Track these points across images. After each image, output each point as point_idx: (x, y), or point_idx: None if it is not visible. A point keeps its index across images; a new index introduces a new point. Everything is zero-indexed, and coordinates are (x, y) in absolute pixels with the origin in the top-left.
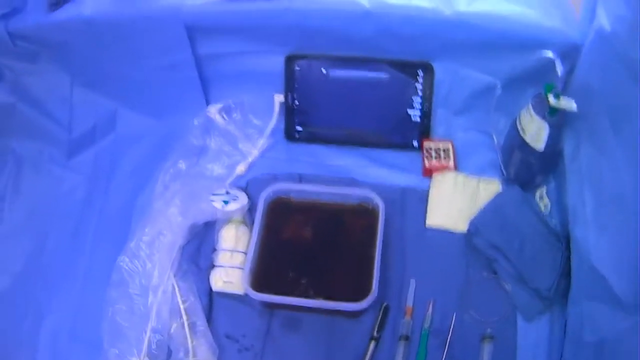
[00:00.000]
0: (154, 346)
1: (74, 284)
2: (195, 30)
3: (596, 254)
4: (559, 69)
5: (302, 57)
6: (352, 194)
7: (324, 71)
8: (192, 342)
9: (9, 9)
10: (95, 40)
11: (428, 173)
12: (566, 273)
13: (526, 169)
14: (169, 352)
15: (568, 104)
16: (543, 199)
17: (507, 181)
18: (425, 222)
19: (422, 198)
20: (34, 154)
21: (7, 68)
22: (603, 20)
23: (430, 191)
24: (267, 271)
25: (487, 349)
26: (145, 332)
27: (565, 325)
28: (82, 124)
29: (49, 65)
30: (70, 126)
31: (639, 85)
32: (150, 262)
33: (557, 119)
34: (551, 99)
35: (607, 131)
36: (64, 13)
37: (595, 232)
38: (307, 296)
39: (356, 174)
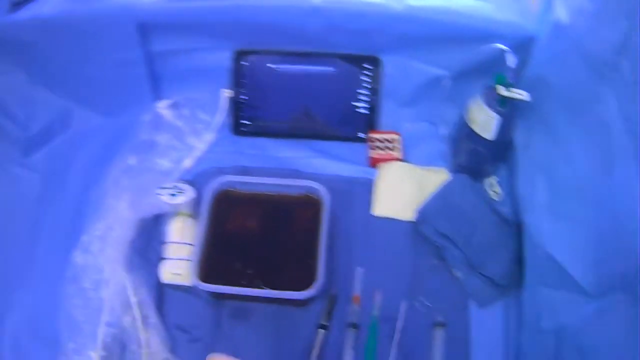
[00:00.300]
0: (108, 339)
1: (31, 282)
2: (148, 27)
3: (551, 242)
4: (511, 60)
5: (250, 52)
6: (297, 185)
7: (271, 66)
8: (144, 334)
9: None
10: (53, 39)
11: (374, 163)
12: (519, 260)
13: (475, 158)
14: (123, 345)
15: (520, 94)
16: (494, 187)
17: (456, 172)
18: (372, 211)
19: (369, 188)
20: None
21: None
22: (561, 12)
23: (377, 181)
24: (214, 262)
25: (438, 335)
26: (100, 326)
27: (521, 313)
28: (38, 122)
29: (7, 65)
30: (26, 124)
31: (599, 77)
32: (102, 256)
33: (507, 110)
34: (501, 90)
35: (562, 122)
36: (24, 13)
37: (550, 220)
38: (254, 286)
39: (302, 165)
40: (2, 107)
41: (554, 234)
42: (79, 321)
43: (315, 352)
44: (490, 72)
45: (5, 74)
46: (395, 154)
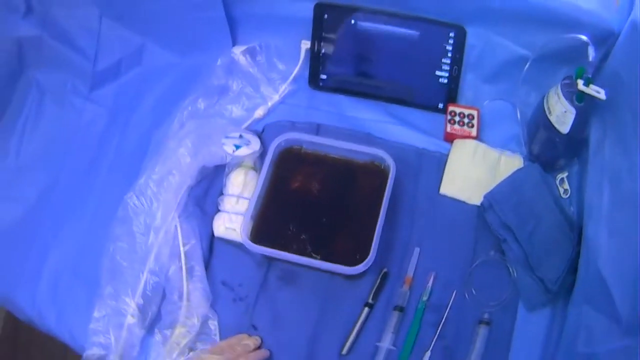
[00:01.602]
0: (149, 288)
1: (82, 219)
2: None
3: (604, 258)
4: (591, 54)
5: (332, 5)
6: (364, 152)
7: (353, 22)
8: (187, 286)
9: None
10: None
11: (449, 138)
12: (574, 269)
13: (550, 149)
14: (164, 295)
15: (597, 92)
16: (564, 183)
17: (529, 159)
18: (439, 189)
19: (440, 163)
20: (57, 86)
21: (36, 1)
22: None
23: (449, 157)
24: (268, 222)
25: (482, 333)
26: (143, 273)
27: (563, 327)
28: (108, 57)
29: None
30: (96, 59)
31: None
32: (157, 201)
33: (584, 105)
34: (580, 84)
35: (629, 128)
36: None
37: (606, 233)
38: (305, 253)
39: (375, 129)
40: (72, 40)
41: (607, 250)
42: (122, 266)
43: (355, 329)
44: (573, 62)
45: (76, 7)
46: (473, 131)
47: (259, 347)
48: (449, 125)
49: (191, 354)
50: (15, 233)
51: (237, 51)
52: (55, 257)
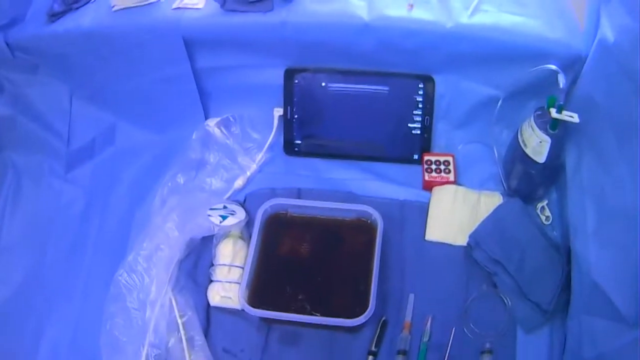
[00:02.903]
0: None
1: (73, 297)
2: (193, 43)
3: (597, 269)
4: (562, 81)
5: (302, 70)
6: (350, 209)
7: (323, 84)
8: (189, 356)
9: (7, 20)
10: (94, 52)
11: (428, 186)
12: (566, 286)
13: (527, 181)
14: None
15: (570, 116)
16: (544, 211)
17: (508, 194)
18: (424, 235)
19: (422, 212)
20: (33, 167)
21: (6, 80)
22: (607, 31)
23: (430, 205)
24: (265, 286)
25: None
26: (143, 346)
27: (565, 340)
28: (81, 136)
29: (49, 78)
30: (69, 139)
31: None
32: (148, 276)
33: (559, 132)
34: (553, 112)
35: (610, 145)
36: (63, 24)
37: (596, 246)
38: (304, 312)
39: (355, 187)
40: (44, 120)
41: (599, 261)
42: (121, 341)
43: None
44: (540, 93)
45: (47, 86)
46: (450, 176)
47: None
48: (426, 174)
49: None
50: (5, 315)
51: (211, 124)
52: (50, 335)
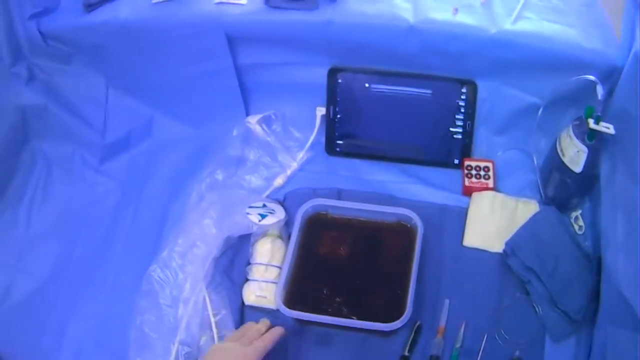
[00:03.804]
0: (181, 358)
1: (100, 292)
2: (235, 39)
3: (624, 280)
4: (600, 92)
5: (345, 70)
6: (390, 212)
7: (366, 85)
8: None
9: (41, 8)
10: (132, 44)
11: (468, 192)
12: (595, 297)
13: (563, 190)
14: None
15: (606, 128)
16: (578, 220)
17: (544, 202)
18: (462, 241)
19: (461, 217)
20: (65, 157)
21: (38, 68)
22: None
23: (469, 210)
24: (301, 287)
25: None
26: (174, 344)
27: (590, 350)
28: (117, 129)
29: (83, 68)
30: (104, 130)
31: None
32: (182, 273)
33: (595, 143)
34: (591, 123)
35: (638, 159)
36: (99, 15)
37: (625, 258)
38: (340, 314)
39: (395, 190)
40: (80, 111)
41: (627, 273)
42: (151, 337)
43: None
44: (579, 102)
45: (83, 78)
46: (489, 182)
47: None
48: (466, 180)
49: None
50: (30, 306)
51: (252, 120)
52: (74, 330)
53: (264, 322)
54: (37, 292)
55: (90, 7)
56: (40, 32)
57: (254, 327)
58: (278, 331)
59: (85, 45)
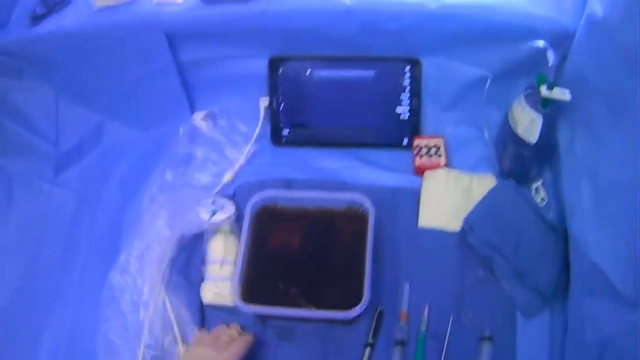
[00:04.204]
0: None
1: (68, 301)
2: (175, 37)
3: (595, 249)
4: (551, 58)
5: (286, 59)
6: (340, 199)
7: (308, 72)
8: None
9: None
10: (78, 52)
11: (419, 171)
12: (565, 269)
13: (520, 162)
14: None
15: (561, 94)
16: (539, 192)
17: (501, 176)
18: (417, 222)
19: (414, 198)
20: (23, 171)
21: None
22: (595, 5)
23: (422, 190)
24: (256, 282)
25: (486, 350)
26: (140, 349)
27: (566, 323)
28: (69, 138)
29: (34, 81)
30: (57, 141)
31: (635, 73)
32: (141, 277)
33: (550, 110)
34: (543, 90)
35: (604, 120)
36: (46, 27)
37: (594, 226)
38: (297, 306)
39: (346, 175)
40: (31, 123)
41: (598, 241)
42: (117, 344)
43: None
44: (531, 71)
45: (32, 90)
46: (441, 160)
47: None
48: (417, 159)
49: (183, 349)
50: (3, 323)
51: (198, 117)
52: (49, 340)
53: (235, 327)
54: (7, 308)
55: (36, 20)
56: None
57: (226, 332)
58: (250, 337)
59: (34, 57)
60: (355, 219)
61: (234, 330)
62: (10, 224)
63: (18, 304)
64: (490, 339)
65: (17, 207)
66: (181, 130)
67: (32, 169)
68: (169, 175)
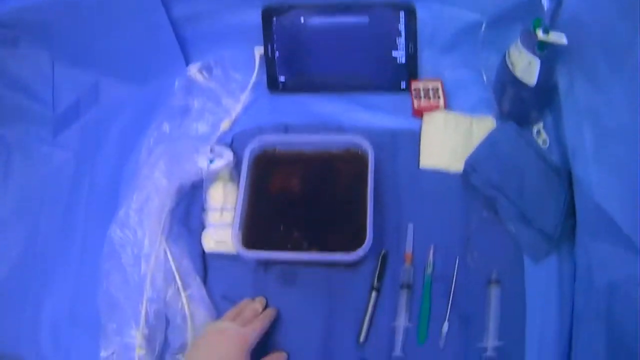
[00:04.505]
0: (152, 316)
1: (70, 264)
2: None
3: (600, 192)
4: (545, 3)
5: (279, 8)
6: (338, 141)
7: (302, 20)
8: (188, 307)
9: None
10: (72, 14)
11: (418, 114)
12: (571, 212)
13: (520, 104)
14: (167, 321)
15: (558, 38)
16: (541, 134)
17: (501, 118)
18: (418, 164)
19: (414, 139)
20: (22, 138)
21: None
22: None
23: (422, 131)
24: (258, 227)
25: (494, 293)
26: (142, 303)
27: (575, 267)
28: (66, 99)
29: (30, 49)
30: (54, 103)
31: (630, 18)
32: (141, 229)
33: (548, 54)
34: (539, 34)
35: (601, 64)
36: None
37: (597, 168)
38: (300, 249)
39: (344, 119)
40: (27, 87)
41: (601, 184)
42: (119, 299)
43: (367, 315)
44: (527, 15)
45: (29, 58)
46: (439, 102)
47: (265, 308)
48: (415, 102)
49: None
50: (4, 289)
51: (193, 69)
52: (50, 305)
53: (260, 301)
54: (10, 275)
55: None
56: None
57: (250, 306)
58: (273, 312)
59: (30, 25)
60: (354, 161)
61: (257, 304)
62: (10, 192)
63: (20, 269)
64: (498, 282)
65: (17, 174)
66: (177, 83)
67: (30, 134)
68: (166, 127)
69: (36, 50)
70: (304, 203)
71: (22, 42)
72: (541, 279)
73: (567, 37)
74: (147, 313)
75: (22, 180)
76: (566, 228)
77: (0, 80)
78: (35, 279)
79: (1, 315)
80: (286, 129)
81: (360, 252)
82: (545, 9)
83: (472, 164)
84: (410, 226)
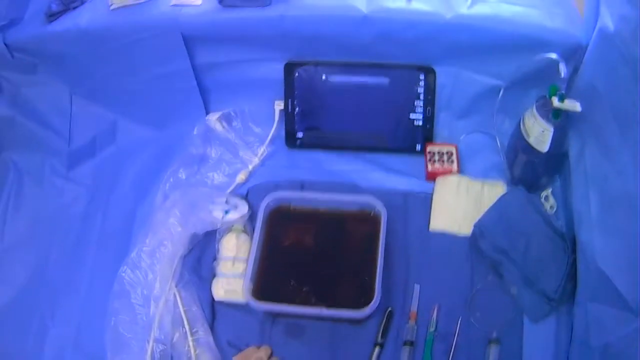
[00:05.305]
0: (157, 356)
1: (77, 295)
2: (192, 39)
3: (602, 256)
4: (563, 70)
5: (302, 63)
6: (353, 201)
7: (324, 77)
8: (194, 351)
9: (6, 21)
10: (93, 50)
11: (431, 177)
12: (572, 275)
13: (531, 170)
14: None
15: (572, 105)
16: (549, 199)
17: (512, 183)
18: (428, 226)
19: (426, 202)
20: (35, 166)
21: (5, 80)
22: (607, 19)
23: (434, 195)
24: (269, 280)
25: (493, 352)
26: (148, 342)
27: (572, 328)
28: (82, 135)
29: (48, 77)
30: (70, 137)
31: None
32: (152, 272)
33: (561, 121)
34: (555, 101)
35: (612, 132)
36: (61, 24)
37: (601, 234)
38: (308, 304)
39: (358, 179)
40: (45, 119)
41: (604, 249)
42: (126, 337)
43: None
44: (542, 82)
45: (46, 86)
46: (453, 166)
47: (270, 356)
48: (429, 165)
49: None
50: (10, 315)
51: (212, 118)
52: (55, 333)
53: (266, 350)
54: (15, 300)
55: (52, 17)
56: (5, 44)
57: (255, 354)
58: None
59: (49, 54)
60: (367, 221)
61: (262, 352)
62: (20, 218)
63: (26, 298)
64: (498, 341)
65: (28, 202)
66: (195, 131)
67: (44, 164)
68: (182, 174)
69: (54, 81)
70: (315, 259)
71: (41, 70)
72: (539, 337)
73: (581, 104)
74: (153, 352)
75: (34, 208)
76: (566, 290)
77: (17, 106)
78: (41, 306)
79: (5, 338)
80: (302, 185)
81: (368, 311)
82: (562, 76)
83: (481, 228)
84: (417, 286)
